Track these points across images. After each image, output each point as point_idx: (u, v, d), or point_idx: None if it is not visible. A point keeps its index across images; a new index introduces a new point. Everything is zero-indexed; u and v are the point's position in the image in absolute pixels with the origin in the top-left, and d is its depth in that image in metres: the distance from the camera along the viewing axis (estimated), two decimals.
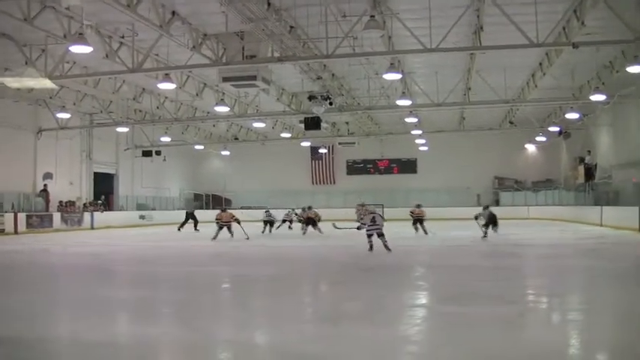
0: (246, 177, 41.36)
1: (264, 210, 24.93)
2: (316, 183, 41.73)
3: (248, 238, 19.52)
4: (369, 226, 14.76)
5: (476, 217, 19.05)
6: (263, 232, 23.04)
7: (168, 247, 18.56)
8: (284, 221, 25.45)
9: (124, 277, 11.61)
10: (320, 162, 41.64)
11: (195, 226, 25.34)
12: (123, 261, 14.61)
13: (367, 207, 31.84)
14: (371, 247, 14.51)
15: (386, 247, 14.39)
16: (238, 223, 20.14)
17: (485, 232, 18.43)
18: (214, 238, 19.73)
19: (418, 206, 22.06)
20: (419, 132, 32.23)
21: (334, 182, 41.56)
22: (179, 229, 25.57)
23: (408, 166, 40.47)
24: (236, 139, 35.16)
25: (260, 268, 12.35)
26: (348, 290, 9.02)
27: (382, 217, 15.27)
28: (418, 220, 21.33)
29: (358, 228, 15.26)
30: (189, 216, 26.64)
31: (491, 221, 18.66)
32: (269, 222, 23.72)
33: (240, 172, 41.58)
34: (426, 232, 20.77)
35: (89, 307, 7.67)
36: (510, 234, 20.78)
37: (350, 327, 6.37)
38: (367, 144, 36.22)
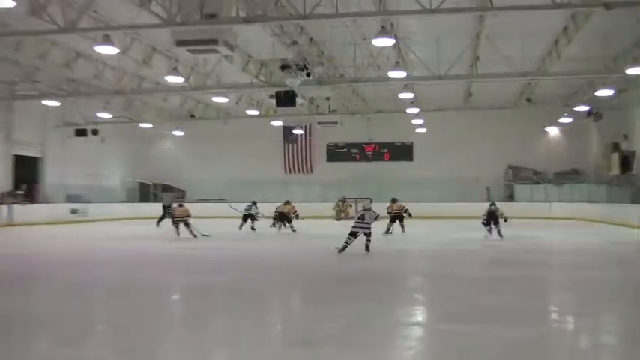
0: (203, 163, 41.17)
1: (252, 202, 25.43)
2: (290, 171, 41.65)
3: (208, 235, 20.53)
4: (355, 222, 15.49)
5: (484, 223, 20.17)
6: (241, 228, 24.13)
7: (108, 248, 18.54)
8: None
9: (50, 285, 11.41)
10: (294, 146, 41.54)
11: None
12: (50, 266, 14.42)
13: (348, 202, 32.10)
14: (343, 249, 15.12)
15: (366, 247, 15.15)
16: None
17: (490, 230, 19.79)
18: (177, 234, 20.74)
19: (394, 201, 22.84)
20: (415, 110, 32.18)
21: (311, 171, 41.53)
22: (157, 225, 25.77)
23: (402, 151, 40.51)
24: (192, 116, 34.88)
25: (217, 276, 12.32)
26: (327, 305, 9.02)
27: (375, 215, 15.85)
28: (397, 217, 21.74)
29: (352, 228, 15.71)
30: (167, 210, 26.63)
31: (492, 218, 19.88)
32: (250, 216, 24.48)
33: (197, 157, 41.48)
34: (403, 230, 21.78)
35: (6, 324, 7.59)
36: (527, 237, 20.99)
37: (329, 351, 6.34)
38: (352, 124, 36.14)
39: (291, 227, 23.78)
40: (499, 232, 19.69)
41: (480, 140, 37.31)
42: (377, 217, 16.07)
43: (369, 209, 16.16)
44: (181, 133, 38.32)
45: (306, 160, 41.52)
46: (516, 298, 9.55)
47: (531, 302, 9.24)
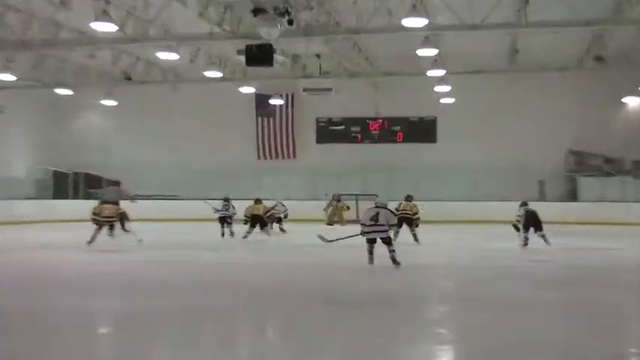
0: (144, 145, 41.21)
1: (223, 200, 25.89)
2: (265, 156, 41.70)
3: (140, 241, 21.06)
4: (368, 226, 15.79)
5: (516, 228, 20.86)
6: (223, 234, 24.92)
7: (5, 262, 18.52)
8: (278, 219, 27.26)
9: None
10: (271, 121, 41.49)
11: (124, 223, 25.23)
12: None
13: (344, 202, 32.23)
14: (371, 258, 15.67)
15: (393, 260, 15.57)
16: (124, 221, 21.78)
17: (526, 239, 20.27)
18: (90, 241, 20.86)
19: (408, 198, 23.14)
20: (440, 73, 32.14)
21: (294, 156, 41.60)
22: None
23: (420, 130, 40.47)
24: (128, 79, 34.82)
25: (165, 300, 12.31)
26: (316, 337, 9.14)
27: (394, 215, 16.42)
28: (405, 219, 21.88)
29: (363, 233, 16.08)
30: None
31: (532, 222, 20.28)
32: (226, 219, 25.21)
33: (135, 136, 41.51)
34: (416, 239, 22.02)
35: None
36: (590, 248, 21.15)
37: None
38: (352, 92, 36.14)
39: (281, 228, 24.25)
40: (544, 238, 20.05)
41: (529, 115, 37.29)
42: (394, 225, 16.45)
43: (384, 206, 16.32)
44: (114, 103, 38.31)
45: (288, 141, 41.50)
46: (575, 329, 9.71)
47: (596, 335, 9.34)
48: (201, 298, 12.69)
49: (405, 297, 12.82)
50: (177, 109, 39.05)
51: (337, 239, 17.16)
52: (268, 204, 26.47)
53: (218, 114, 39.80)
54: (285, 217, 27.87)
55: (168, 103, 38.47)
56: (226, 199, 25.76)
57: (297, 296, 13.10)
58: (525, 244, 20.21)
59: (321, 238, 17.34)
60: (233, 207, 25.52)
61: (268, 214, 25.22)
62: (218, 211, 25.36)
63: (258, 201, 25.33)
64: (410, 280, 15.15)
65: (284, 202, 28.55)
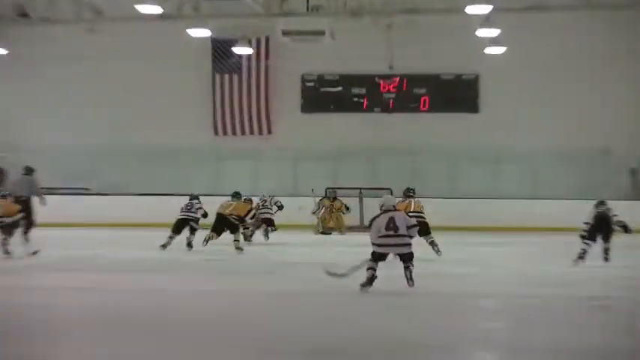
0: (45, 115, 41.12)
1: (190, 196, 26.14)
2: (225, 132, 41.73)
3: (35, 253, 21.82)
4: (379, 237, 16.29)
5: (583, 237, 20.98)
6: (165, 245, 24.45)
7: None
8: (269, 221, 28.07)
9: None
10: (235, 80, 41.55)
11: (29, 227, 25.38)
12: None
13: (341, 201, 32.18)
14: (370, 281, 15.68)
15: (409, 277, 16.20)
16: (22, 222, 22.50)
17: (584, 251, 20.57)
18: None
19: (409, 193, 23.57)
20: (483, 10, 31.92)
21: (269, 131, 41.63)
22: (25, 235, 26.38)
23: (456, 94, 40.38)
24: (24, 15, 34.73)
25: (66, 347, 11.83)
26: None
27: (411, 222, 16.76)
28: (419, 225, 21.84)
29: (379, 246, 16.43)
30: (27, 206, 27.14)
31: (601, 228, 20.69)
32: (187, 222, 25.03)
33: (33, 100, 41.35)
34: (437, 251, 22.53)
35: None
36: None
37: None
38: (355, 38, 36.32)
39: (266, 232, 25.95)
40: (606, 251, 20.47)
41: (612, 74, 37.32)
42: (413, 226, 16.58)
43: (392, 208, 16.59)
44: (2, 52, 38.26)
45: (259, 110, 41.54)
46: None
47: None
48: (120, 344, 12.10)
49: (428, 343, 12.19)
50: (95, 62, 38.94)
51: (354, 268, 16.73)
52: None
53: (157, 68, 39.78)
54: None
55: (82, 52, 38.49)
56: (194, 196, 25.82)
57: (267, 343, 12.35)
58: (581, 257, 20.37)
59: (330, 274, 16.94)
60: (200, 207, 25.40)
61: (251, 214, 25.03)
62: (182, 211, 25.36)
63: (235, 196, 25.31)
64: (435, 316, 14.72)
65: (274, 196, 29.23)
